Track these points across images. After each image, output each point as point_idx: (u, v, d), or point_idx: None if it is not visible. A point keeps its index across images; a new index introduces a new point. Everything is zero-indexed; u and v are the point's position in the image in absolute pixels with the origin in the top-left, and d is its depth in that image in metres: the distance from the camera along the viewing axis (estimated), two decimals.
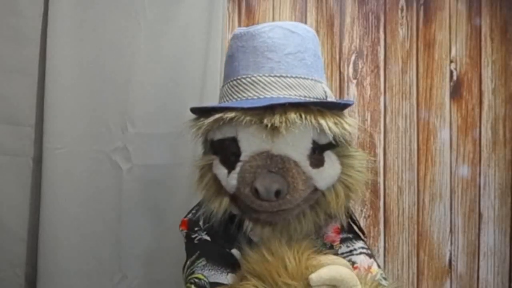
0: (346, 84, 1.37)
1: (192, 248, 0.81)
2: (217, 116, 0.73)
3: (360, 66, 1.38)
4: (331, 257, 0.68)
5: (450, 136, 1.41)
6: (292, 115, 0.70)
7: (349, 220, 0.86)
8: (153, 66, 1.12)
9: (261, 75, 0.76)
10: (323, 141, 0.75)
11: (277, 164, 0.71)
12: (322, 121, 0.72)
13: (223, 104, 0.79)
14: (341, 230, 0.84)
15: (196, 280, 0.75)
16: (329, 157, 0.77)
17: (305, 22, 1.35)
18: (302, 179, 0.72)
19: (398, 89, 1.40)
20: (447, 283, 1.40)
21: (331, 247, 0.81)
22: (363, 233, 0.88)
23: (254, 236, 0.80)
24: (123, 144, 1.11)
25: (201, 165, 0.82)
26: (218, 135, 0.78)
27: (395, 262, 1.38)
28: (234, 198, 0.77)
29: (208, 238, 0.81)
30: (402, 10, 1.40)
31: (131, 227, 1.11)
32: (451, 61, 1.42)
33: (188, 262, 0.80)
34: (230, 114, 0.71)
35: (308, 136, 0.73)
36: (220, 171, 0.77)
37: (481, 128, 1.42)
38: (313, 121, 0.71)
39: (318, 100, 0.76)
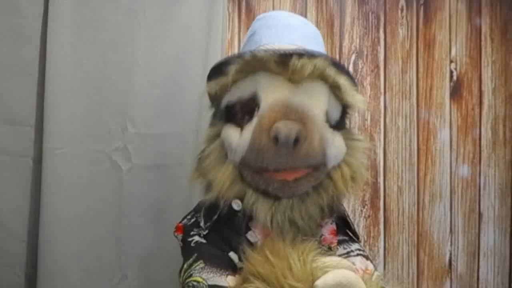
0: None
1: (189, 251, 0.80)
2: (247, 57, 0.74)
3: (360, 66, 1.38)
4: (335, 259, 0.67)
5: (450, 136, 1.41)
6: (317, 60, 0.72)
7: (344, 222, 0.85)
8: (153, 66, 1.12)
9: (282, 43, 0.77)
10: (332, 116, 0.77)
11: (297, 113, 0.70)
12: (340, 80, 0.75)
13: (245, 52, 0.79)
14: (338, 232, 0.82)
15: (195, 283, 0.73)
16: (337, 135, 0.79)
17: None
18: (318, 133, 0.72)
19: (398, 89, 1.40)
20: (447, 283, 1.40)
21: (329, 249, 0.79)
22: (357, 237, 0.86)
23: (252, 237, 0.78)
24: (123, 144, 1.11)
25: (210, 135, 0.82)
26: (236, 94, 0.77)
27: (395, 262, 1.38)
28: (239, 171, 0.76)
29: (204, 241, 0.80)
30: (402, 10, 1.40)
31: (131, 227, 1.11)
32: (451, 61, 1.42)
33: (185, 266, 0.78)
34: (260, 54, 0.73)
35: (325, 94, 0.75)
36: (231, 132, 0.77)
37: (481, 128, 1.42)
38: (333, 74, 0.74)
39: (337, 62, 0.79)
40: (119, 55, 1.10)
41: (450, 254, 1.41)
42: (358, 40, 1.38)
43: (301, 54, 0.72)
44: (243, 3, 1.33)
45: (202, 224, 0.82)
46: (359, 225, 1.37)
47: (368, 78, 1.39)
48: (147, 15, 1.12)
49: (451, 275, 1.41)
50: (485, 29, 1.42)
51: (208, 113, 1.13)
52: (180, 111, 1.14)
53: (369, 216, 1.38)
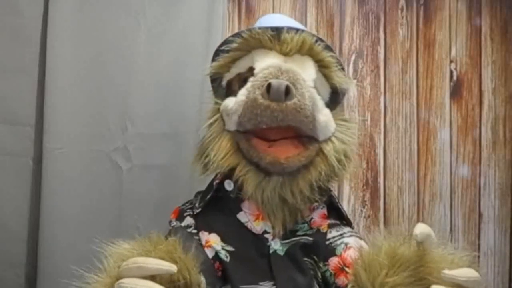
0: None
1: (168, 233, 0.83)
2: (244, 34, 0.82)
3: (360, 66, 1.38)
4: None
5: (450, 136, 1.41)
6: (306, 34, 0.80)
7: (336, 209, 0.87)
8: (153, 66, 1.12)
9: (274, 24, 0.85)
10: (320, 93, 0.81)
11: (288, 74, 0.75)
12: (326, 56, 0.82)
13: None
14: (328, 216, 0.85)
15: None
16: (326, 109, 0.82)
17: (305, 22, 1.35)
18: (308, 95, 0.75)
19: (398, 89, 1.40)
20: None
21: (318, 231, 0.82)
22: (350, 223, 0.89)
23: (243, 217, 0.81)
24: (123, 144, 1.11)
25: (210, 111, 0.86)
26: (235, 71, 0.85)
27: None
28: (235, 142, 0.79)
29: (183, 224, 0.85)
30: (402, 10, 1.40)
31: (131, 227, 1.11)
32: (451, 61, 1.42)
33: None
34: (255, 30, 0.81)
35: (313, 68, 0.82)
36: (228, 100, 0.81)
37: (481, 128, 1.42)
38: (320, 50, 0.82)
39: (324, 40, 0.85)
40: (119, 55, 1.10)
41: None
42: (358, 40, 1.38)
43: (291, 29, 0.81)
44: (243, 3, 1.33)
45: (196, 204, 0.86)
46: (359, 225, 1.37)
47: (368, 78, 1.38)
48: (147, 15, 1.12)
49: None
50: (485, 29, 1.42)
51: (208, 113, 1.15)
52: (180, 111, 1.15)
53: (369, 216, 1.38)
